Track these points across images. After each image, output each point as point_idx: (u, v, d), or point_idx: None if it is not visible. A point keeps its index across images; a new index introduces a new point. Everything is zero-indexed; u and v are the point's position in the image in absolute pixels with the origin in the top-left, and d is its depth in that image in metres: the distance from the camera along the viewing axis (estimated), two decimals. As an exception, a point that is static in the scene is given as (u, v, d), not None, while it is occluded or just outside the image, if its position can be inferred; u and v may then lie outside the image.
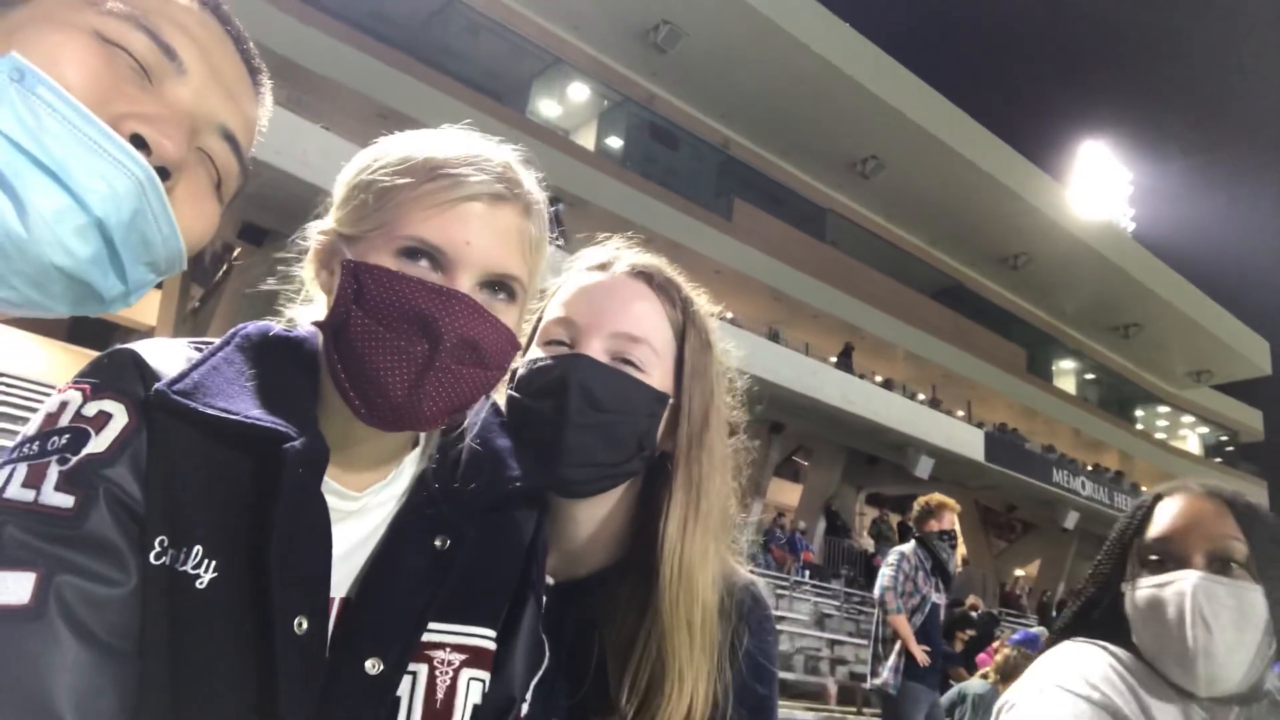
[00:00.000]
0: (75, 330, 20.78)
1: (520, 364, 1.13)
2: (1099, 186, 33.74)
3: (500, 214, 0.88)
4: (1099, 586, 1.41)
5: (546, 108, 20.25)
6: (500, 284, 0.88)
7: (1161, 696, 1.23)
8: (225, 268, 16.31)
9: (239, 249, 14.98)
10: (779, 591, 14.24)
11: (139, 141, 0.67)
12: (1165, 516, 1.33)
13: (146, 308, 19.28)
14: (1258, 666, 1.21)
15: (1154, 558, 1.30)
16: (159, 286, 18.07)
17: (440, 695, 0.85)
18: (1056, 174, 28.79)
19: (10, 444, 0.77)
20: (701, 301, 1.21)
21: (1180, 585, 1.23)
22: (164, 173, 0.69)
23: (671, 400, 1.14)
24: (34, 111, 0.61)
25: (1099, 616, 1.39)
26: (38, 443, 0.76)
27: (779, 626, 12.40)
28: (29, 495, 0.72)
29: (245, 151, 0.82)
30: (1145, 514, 1.38)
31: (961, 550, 5.93)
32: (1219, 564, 1.25)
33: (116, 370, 0.81)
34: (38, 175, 0.60)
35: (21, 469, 0.73)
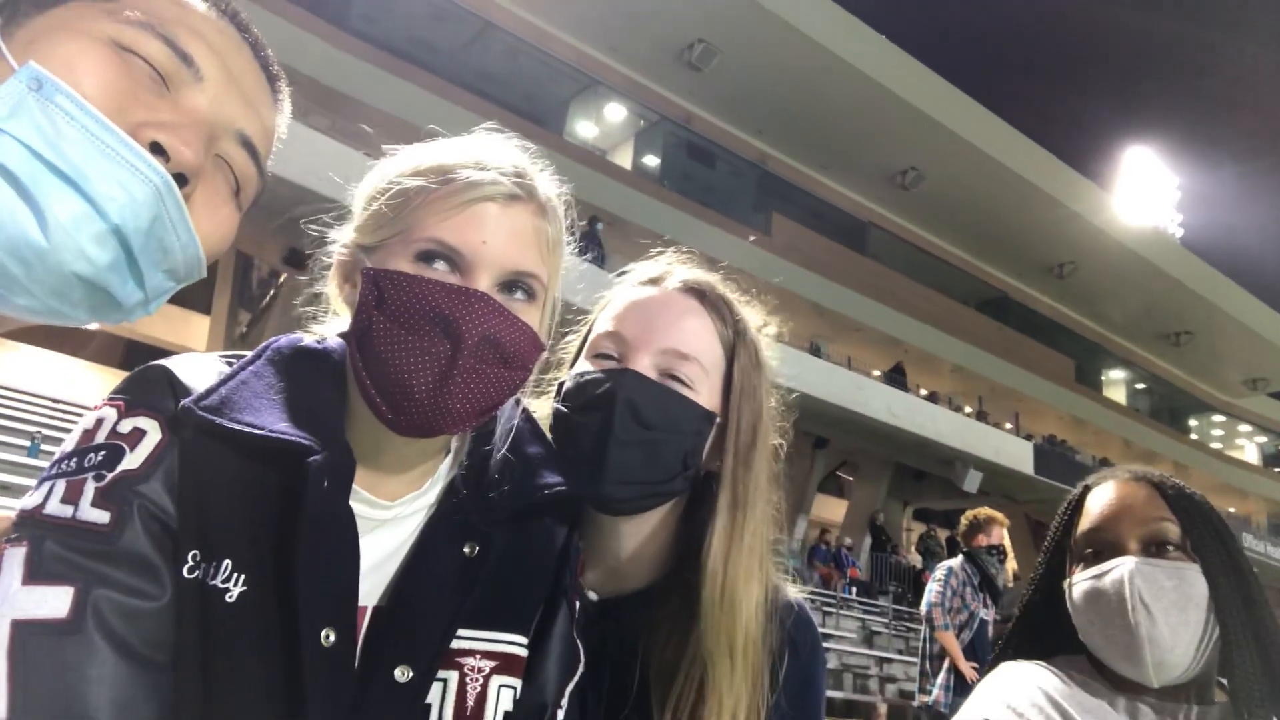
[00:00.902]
0: (129, 357, 21.26)
1: (568, 377, 1.12)
2: (1145, 193, 33.14)
3: (515, 213, 0.89)
4: (1039, 591, 1.39)
5: (584, 129, 20.37)
6: (519, 283, 0.88)
7: (1104, 702, 1.21)
8: (272, 293, 16.61)
9: (285, 274, 15.24)
10: (825, 609, 14.07)
11: (157, 149, 0.67)
12: (1095, 507, 1.31)
13: (195, 333, 19.69)
14: (1206, 649, 1.18)
15: (1089, 550, 1.28)
16: (208, 312, 18.46)
17: (471, 702, 0.85)
18: (1101, 181, 28.36)
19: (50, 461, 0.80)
20: (754, 318, 1.20)
21: (1117, 573, 1.21)
22: (182, 179, 0.69)
23: (719, 419, 1.12)
24: (52, 120, 0.61)
25: (1044, 621, 1.36)
26: (75, 459, 0.77)
27: (825, 645, 12.20)
28: (67, 511, 0.74)
29: (263, 158, 0.82)
30: (1075, 508, 1.35)
31: (1012, 565, 5.82)
32: (1154, 547, 1.23)
33: (149, 387, 0.83)
34: (56, 183, 0.61)
35: (60, 485, 0.75)
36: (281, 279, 15.79)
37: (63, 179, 0.61)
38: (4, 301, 0.64)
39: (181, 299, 19.39)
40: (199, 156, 0.71)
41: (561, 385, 1.13)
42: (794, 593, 1.16)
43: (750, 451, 1.12)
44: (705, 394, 1.10)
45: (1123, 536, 1.25)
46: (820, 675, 1.14)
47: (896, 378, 20.44)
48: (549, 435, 1.07)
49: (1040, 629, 1.36)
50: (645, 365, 1.08)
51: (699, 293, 1.15)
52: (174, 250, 0.70)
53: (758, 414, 1.14)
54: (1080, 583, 1.26)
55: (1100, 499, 1.31)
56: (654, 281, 1.17)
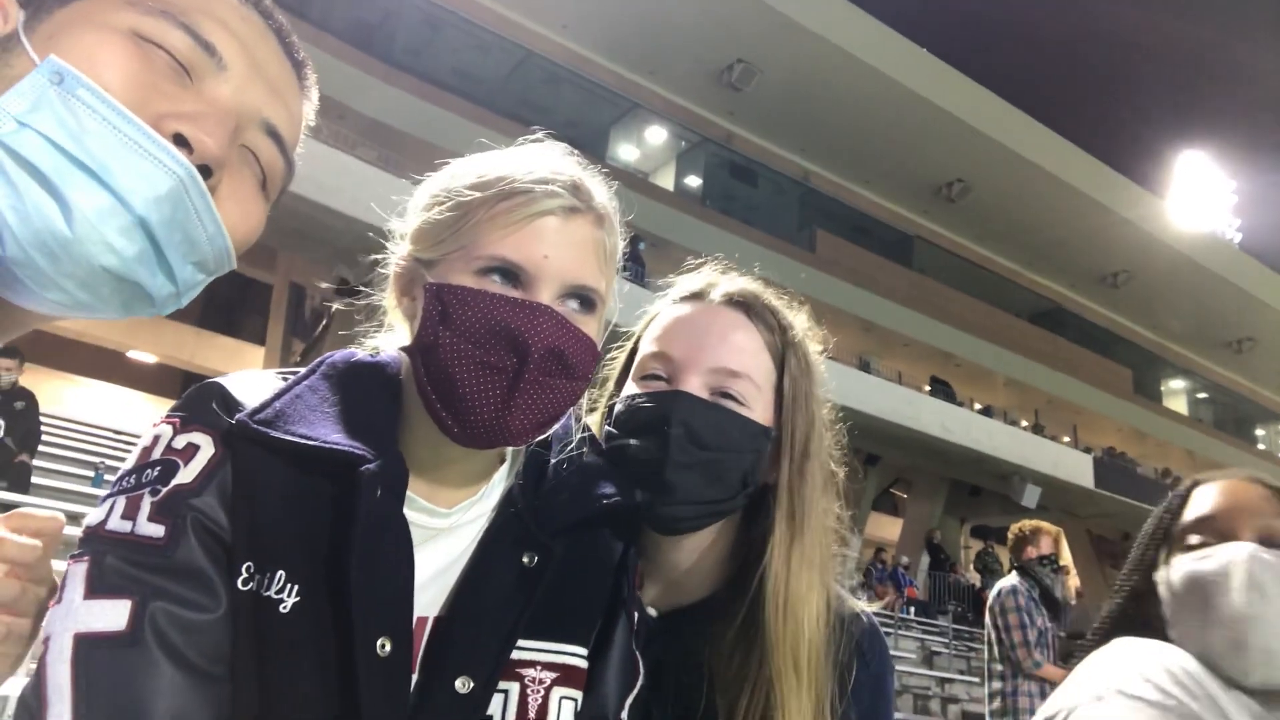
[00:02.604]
0: (187, 387, 21.73)
1: (619, 401, 1.11)
2: (1200, 198, 32.29)
3: (574, 227, 0.89)
4: (1133, 579, 1.30)
5: (625, 152, 20.51)
6: (579, 295, 0.89)
7: (1233, 698, 1.10)
8: (325, 322, 16.91)
9: (336, 304, 15.48)
10: (884, 629, 13.82)
11: (180, 140, 0.67)
12: (1206, 500, 1.24)
13: (250, 364, 20.09)
14: None
15: (1194, 539, 1.20)
16: (262, 343, 18.83)
17: (532, 714, 0.84)
18: (1154, 187, 27.72)
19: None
20: (800, 323, 1.17)
21: (1229, 554, 1.13)
22: (206, 171, 0.69)
23: (773, 430, 1.10)
24: (74, 113, 0.61)
25: (1134, 614, 1.27)
26: (134, 476, 0.80)
27: (884, 665, 11.94)
28: (127, 526, 0.76)
29: (290, 147, 0.81)
30: (1182, 500, 1.28)
31: (1074, 581, 5.62)
32: (1266, 543, 1.14)
33: (204, 403, 0.84)
34: (80, 177, 0.61)
35: (120, 502, 0.78)
36: (333, 308, 16.06)
37: (86, 172, 0.61)
38: (36, 297, 0.64)
39: (236, 330, 19.84)
40: (222, 147, 0.70)
41: (612, 408, 1.12)
42: (861, 605, 1.14)
43: (804, 461, 1.10)
44: (759, 409, 1.09)
45: (1236, 528, 1.18)
46: (890, 685, 1.13)
47: (941, 388, 20.06)
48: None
49: (1131, 622, 1.28)
50: (696, 385, 1.06)
51: (744, 305, 1.13)
52: (201, 242, 0.70)
53: (810, 422, 1.12)
54: (1182, 566, 1.19)
55: (1212, 493, 1.25)
56: (697, 296, 1.15)
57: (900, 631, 14.26)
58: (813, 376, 1.14)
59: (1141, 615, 1.27)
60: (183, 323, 18.64)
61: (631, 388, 1.11)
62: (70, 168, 0.61)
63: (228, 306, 19.78)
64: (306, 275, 14.71)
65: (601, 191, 0.94)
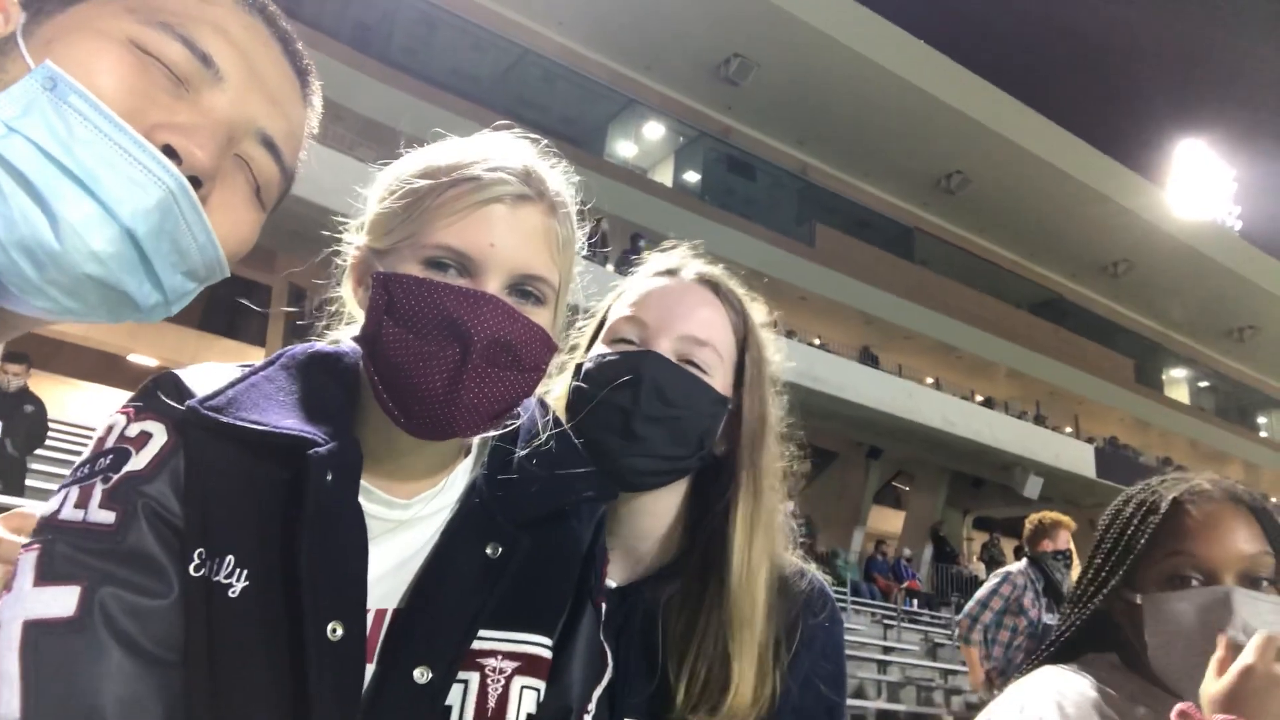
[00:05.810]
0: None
1: (588, 359, 1.16)
2: (1199, 186, 32.22)
3: (524, 214, 0.88)
4: (1103, 594, 1.29)
5: (623, 148, 20.50)
6: (529, 285, 0.88)
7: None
8: (324, 323, 16.92)
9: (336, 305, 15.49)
10: (887, 622, 13.86)
11: (170, 151, 0.66)
12: (1185, 526, 1.22)
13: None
14: None
15: (1176, 574, 1.19)
16: (262, 344, 18.83)
17: (492, 704, 0.83)
18: (1153, 176, 27.72)
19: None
20: (759, 313, 1.25)
21: (1217, 601, 1.13)
22: (196, 182, 0.68)
23: (730, 405, 1.17)
24: (65, 120, 0.61)
25: (1096, 626, 1.28)
26: (88, 465, 0.80)
27: (888, 657, 12.04)
28: (79, 515, 0.76)
29: (288, 157, 0.80)
30: (1159, 519, 1.25)
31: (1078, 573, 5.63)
32: (1248, 581, 1.15)
33: (157, 393, 0.84)
34: (68, 185, 0.61)
35: (74, 491, 0.77)
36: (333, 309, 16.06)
37: (74, 180, 0.61)
38: (22, 303, 0.64)
39: (237, 332, 19.81)
40: (213, 159, 0.70)
41: (580, 366, 1.16)
42: (810, 567, 1.21)
43: (761, 440, 1.18)
44: (719, 380, 1.16)
45: (1216, 565, 1.17)
46: (839, 636, 1.19)
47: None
48: (566, 415, 1.09)
49: (1094, 634, 1.29)
50: (665, 349, 1.13)
51: (713, 285, 1.21)
52: (191, 252, 0.70)
53: (764, 402, 1.20)
54: (1167, 603, 1.18)
55: (1191, 518, 1.22)
56: (670, 272, 1.22)
57: (903, 624, 14.28)
58: (768, 363, 1.22)
59: (1103, 626, 1.27)
60: (183, 325, 18.61)
61: (601, 349, 1.17)
62: (58, 175, 0.61)
63: (228, 309, 19.75)
64: (304, 276, 14.70)
65: (556, 179, 0.94)
